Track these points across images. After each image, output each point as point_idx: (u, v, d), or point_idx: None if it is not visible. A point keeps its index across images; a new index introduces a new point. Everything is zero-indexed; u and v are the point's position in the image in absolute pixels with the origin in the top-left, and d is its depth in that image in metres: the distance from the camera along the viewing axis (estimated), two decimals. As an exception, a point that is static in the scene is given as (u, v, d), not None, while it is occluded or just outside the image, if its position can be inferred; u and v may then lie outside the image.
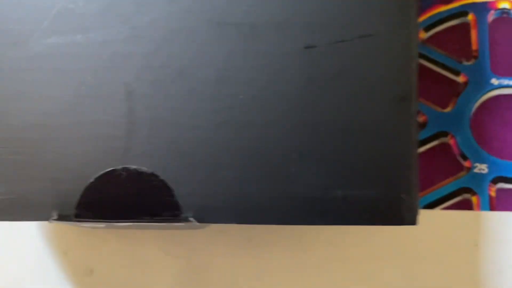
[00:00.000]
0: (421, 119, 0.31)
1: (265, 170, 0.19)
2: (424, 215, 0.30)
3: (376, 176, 0.19)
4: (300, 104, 0.19)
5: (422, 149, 0.31)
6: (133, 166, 0.20)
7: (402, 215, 0.18)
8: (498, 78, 0.31)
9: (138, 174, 0.19)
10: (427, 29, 0.33)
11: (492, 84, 0.31)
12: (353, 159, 0.19)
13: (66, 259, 0.31)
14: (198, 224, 0.19)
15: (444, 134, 0.31)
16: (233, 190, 0.19)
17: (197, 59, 0.20)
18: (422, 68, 0.32)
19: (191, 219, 0.19)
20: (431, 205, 0.30)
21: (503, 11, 0.33)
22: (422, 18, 0.33)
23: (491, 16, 0.33)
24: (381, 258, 0.29)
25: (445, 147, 0.31)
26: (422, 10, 0.33)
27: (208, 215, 0.19)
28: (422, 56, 0.32)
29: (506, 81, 0.31)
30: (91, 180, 0.19)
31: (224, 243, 0.30)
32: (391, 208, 0.18)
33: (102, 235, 0.31)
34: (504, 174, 0.30)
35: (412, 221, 0.18)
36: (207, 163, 0.19)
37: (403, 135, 0.19)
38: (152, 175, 0.19)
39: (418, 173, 0.19)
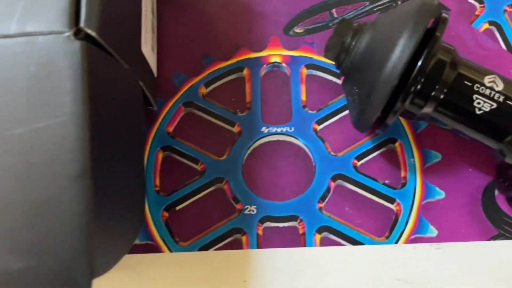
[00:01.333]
0: (200, 167, 0.35)
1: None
2: (198, 256, 0.33)
3: (55, 247, 0.21)
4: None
5: (200, 195, 0.34)
6: None
7: (77, 281, 0.21)
8: (267, 127, 0.35)
9: None
10: (207, 84, 0.36)
11: (262, 132, 0.35)
12: (36, 233, 0.21)
13: None
14: None
15: (220, 180, 0.34)
16: None
17: None
18: (203, 120, 0.36)
19: None
20: (206, 247, 0.33)
21: (274, 65, 0.37)
22: (203, 75, 0.36)
23: (263, 70, 0.37)
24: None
25: (220, 192, 0.34)
26: (203, 67, 0.37)
27: None
28: (202, 109, 0.36)
29: (274, 129, 0.35)
30: None
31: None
32: (67, 275, 0.21)
33: None
34: (270, 213, 0.33)
35: (87, 285, 0.21)
36: None
37: (79, 207, 0.21)
38: None
39: (96, 239, 0.21)
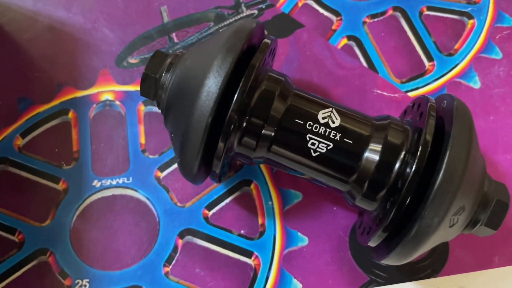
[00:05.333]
0: (18, 238, 0.28)
1: None
2: None
3: None
4: None
5: (19, 272, 0.27)
6: None
7: None
8: (100, 180, 0.30)
9: None
10: (24, 134, 0.30)
11: (93, 187, 0.29)
12: None
13: None
14: None
15: (43, 251, 0.28)
16: None
17: None
18: (19, 179, 0.29)
19: None
20: None
21: (106, 103, 0.31)
22: (18, 123, 0.30)
23: (93, 111, 0.31)
24: None
25: (44, 266, 0.28)
26: (19, 114, 0.31)
27: None
28: (18, 165, 0.29)
29: (108, 181, 0.30)
30: None
31: None
32: None
33: None
34: (105, 287, 0.28)
35: None
36: None
37: None
38: None
39: None
